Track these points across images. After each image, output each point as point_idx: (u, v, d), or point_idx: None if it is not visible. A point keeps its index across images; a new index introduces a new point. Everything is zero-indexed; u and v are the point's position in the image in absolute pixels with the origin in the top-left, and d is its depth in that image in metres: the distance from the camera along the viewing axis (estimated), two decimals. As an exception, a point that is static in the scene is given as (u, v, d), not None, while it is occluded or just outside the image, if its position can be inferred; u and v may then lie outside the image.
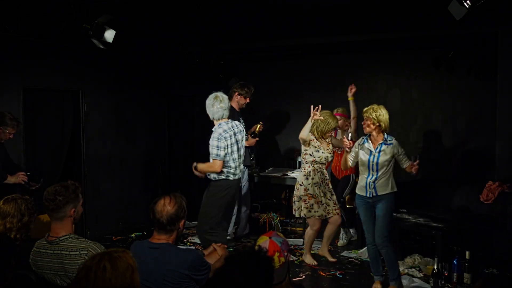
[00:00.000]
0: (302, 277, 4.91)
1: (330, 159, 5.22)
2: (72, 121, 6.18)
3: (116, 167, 6.67)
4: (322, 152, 5.08)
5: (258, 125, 5.87)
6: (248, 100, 5.91)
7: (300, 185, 5.11)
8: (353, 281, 4.80)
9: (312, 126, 4.96)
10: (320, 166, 5.12)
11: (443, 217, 5.17)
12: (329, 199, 5.15)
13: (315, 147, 5.08)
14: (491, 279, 4.78)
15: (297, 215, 5.19)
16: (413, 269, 4.97)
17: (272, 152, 7.54)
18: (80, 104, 6.12)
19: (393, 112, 7.24)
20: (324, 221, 5.21)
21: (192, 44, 7.12)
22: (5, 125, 4.54)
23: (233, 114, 5.11)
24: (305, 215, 5.08)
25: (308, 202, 5.05)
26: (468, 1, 4.20)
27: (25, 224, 3.07)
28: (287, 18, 6.00)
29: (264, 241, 2.51)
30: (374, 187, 4.35)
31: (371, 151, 4.35)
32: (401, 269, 4.98)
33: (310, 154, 5.07)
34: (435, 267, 4.46)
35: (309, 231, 5.24)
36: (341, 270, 5.07)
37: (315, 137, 5.10)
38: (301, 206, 5.07)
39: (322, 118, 4.89)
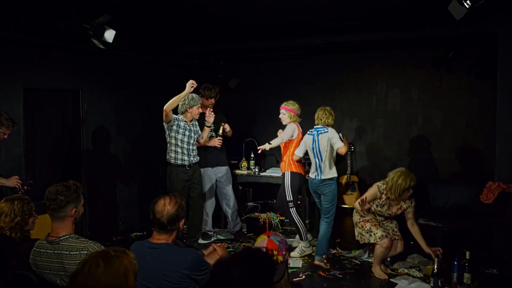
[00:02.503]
0: (302, 277, 4.91)
1: (387, 216, 4.90)
2: (72, 121, 6.18)
3: (116, 167, 6.67)
4: (380, 211, 4.83)
5: (221, 127, 5.99)
6: (210, 101, 5.94)
7: (355, 212, 5.04)
8: (353, 281, 4.80)
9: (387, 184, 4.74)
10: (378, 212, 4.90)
11: (443, 217, 5.17)
12: (389, 224, 4.94)
13: (380, 203, 4.82)
14: (491, 279, 4.77)
15: (361, 242, 4.99)
16: (413, 269, 4.97)
17: (272, 152, 7.54)
18: (80, 104, 6.12)
19: (393, 112, 7.30)
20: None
21: (192, 44, 7.12)
22: (0, 125, 4.51)
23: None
24: (369, 241, 4.88)
25: (365, 227, 4.88)
26: (468, 1, 4.20)
27: (17, 224, 3.09)
28: (287, 18, 6.00)
29: (262, 240, 2.51)
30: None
31: None
32: (401, 269, 5.00)
33: (371, 201, 4.85)
34: (435, 267, 4.46)
35: (377, 248, 4.84)
36: (341, 270, 5.07)
37: (387, 195, 4.76)
38: (360, 233, 4.94)
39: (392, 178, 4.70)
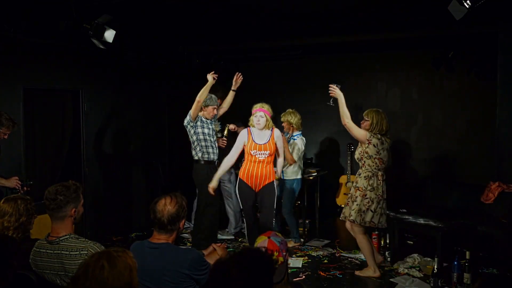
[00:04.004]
0: (302, 277, 4.91)
1: (357, 155, 4.92)
2: (72, 121, 6.18)
3: (116, 167, 6.67)
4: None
5: (226, 127, 6.09)
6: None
7: None
8: (353, 281, 4.80)
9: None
10: None
11: (443, 217, 5.17)
12: (348, 201, 4.95)
13: None
14: (491, 279, 4.77)
15: None
16: (413, 269, 4.97)
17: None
18: (80, 104, 6.12)
19: (393, 112, 7.29)
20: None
21: (192, 44, 7.12)
22: (0, 125, 4.52)
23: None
24: None
25: None
26: (468, 1, 4.19)
27: (22, 224, 3.08)
28: (287, 18, 6.00)
29: (263, 241, 2.52)
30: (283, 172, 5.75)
31: None
32: (401, 269, 5.00)
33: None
34: (435, 267, 4.46)
35: None
36: (341, 270, 5.07)
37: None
38: None
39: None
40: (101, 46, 4.98)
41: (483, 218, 5.36)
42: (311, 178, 6.39)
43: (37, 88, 5.70)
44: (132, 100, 6.86)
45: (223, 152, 6.17)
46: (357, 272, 4.93)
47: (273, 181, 5.01)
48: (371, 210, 4.70)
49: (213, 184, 4.96)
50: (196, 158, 5.39)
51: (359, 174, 4.83)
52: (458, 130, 6.89)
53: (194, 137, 5.34)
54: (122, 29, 5.14)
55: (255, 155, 4.95)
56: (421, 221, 5.11)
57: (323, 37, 6.55)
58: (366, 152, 4.74)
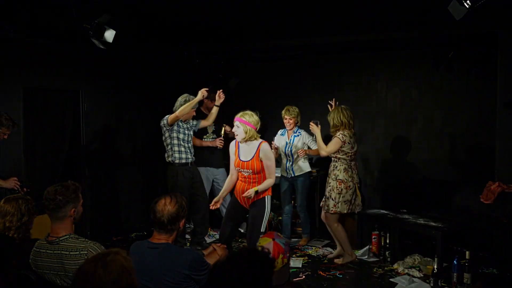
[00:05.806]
0: (302, 277, 4.91)
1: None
2: (72, 121, 6.18)
3: (116, 167, 6.67)
4: None
5: (222, 128, 6.09)
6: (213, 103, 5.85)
7: None
8: (353, 281, 4.81)
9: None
10: None
11: (443, 217, 5.18)
12: (330, 193, 5.29)
13: None
14: (491, 279, 4.78)
15: None
16: (413, 269, 4.97)
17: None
18: (80, 104, 6.13)
19: (393, 112, 7.29)
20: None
21: (192, 44, 7.12)
22: (0, 125, 4.52)
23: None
24: None
25: None
26: (468, 1, 4.19)
27: (24, 224, 3.08)
28: (287, 18, 6.00)
29: (268, 243, 2.53)
30: (292, 170, 5.97)
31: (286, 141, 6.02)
32: (401, 269, 5.00)
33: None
34: (435, 267, 4.46)
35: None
36: (341, 270, 5.07)
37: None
38: None
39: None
40: (101, 46, 4.98)
41: (483, 218, 5.36)
42: (311, 178, 6.39)
43: (37, 88, 5.70)
44: (132, 100, 6.86)
45: (222, 151, 6.19)
46: (336, 260, 5.30)
47: (263, 198, 4.33)
48: (356, 196, 5.26)
49: (217, 199, 4.50)
50: (168, 160, 5.47)
51: (336, 167, 5.23)
52: (458, 130, 6.88)
53: (169, 141, 5.44)
54: (122, 29, 5.14)
55: (240, 172, 4.42)
56: (421, 221, 5.12)
57: (323, 37, 6.55)
58: (342, 150, 5.15)
